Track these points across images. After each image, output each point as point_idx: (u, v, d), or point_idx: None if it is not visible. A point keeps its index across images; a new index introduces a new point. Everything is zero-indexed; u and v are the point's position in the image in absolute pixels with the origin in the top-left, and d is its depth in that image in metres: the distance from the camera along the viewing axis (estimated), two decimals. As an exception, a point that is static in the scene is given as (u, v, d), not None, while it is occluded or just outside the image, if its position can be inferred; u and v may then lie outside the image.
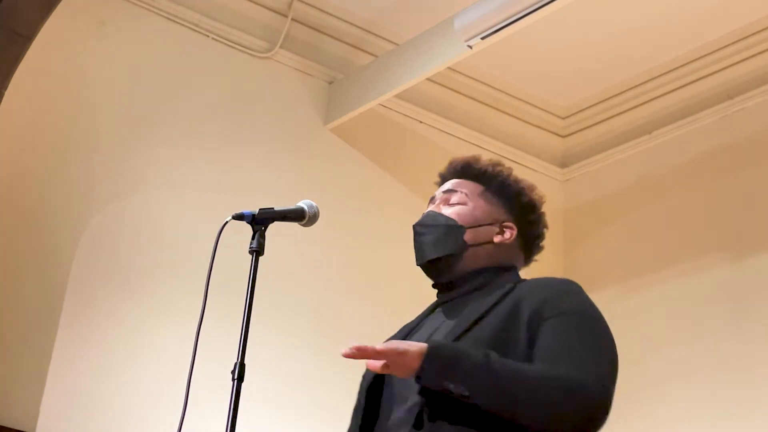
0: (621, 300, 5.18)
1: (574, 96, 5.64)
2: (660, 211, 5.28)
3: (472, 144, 5.49)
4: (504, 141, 5.62)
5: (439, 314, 2.07)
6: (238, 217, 2.09)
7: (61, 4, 4.18)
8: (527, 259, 2.19)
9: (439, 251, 2.08)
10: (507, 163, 2.25)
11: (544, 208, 2.22)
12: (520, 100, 5.65)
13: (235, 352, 1.94)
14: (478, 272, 2.07)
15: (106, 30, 4.65)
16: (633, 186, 5.47)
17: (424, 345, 1.79)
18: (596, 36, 5.14)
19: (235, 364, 1.93)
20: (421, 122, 5.44)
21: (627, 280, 5.27)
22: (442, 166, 2.27)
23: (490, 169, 2.18)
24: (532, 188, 2.19)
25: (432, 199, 2.19)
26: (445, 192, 2.16)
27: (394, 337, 2.09)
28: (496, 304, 1.95)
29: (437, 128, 5.47)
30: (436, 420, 1.80)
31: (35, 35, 4.07)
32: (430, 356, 1.77)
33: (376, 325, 4.38)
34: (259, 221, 2.08)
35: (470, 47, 4.56)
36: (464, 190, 2.14)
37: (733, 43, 5.06)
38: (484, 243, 2.09)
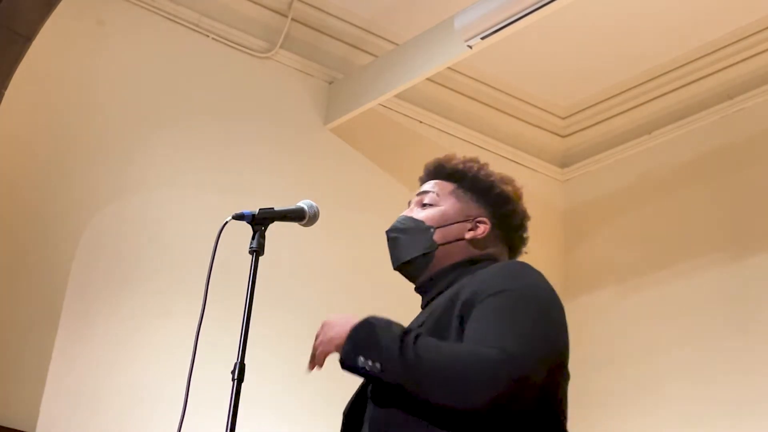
0: (621, 300, 5.19)
1: (574, 96, 5.64)
2: (660, 211, 5.28)
3: (472, 144, 5.49)
4: (504, 141, 5.62)
5: (419, 316, 2.09)
6: (238, 217, 2.09)
7: (61, 4, 4.18)
8: (514, 252, 2.19)
9: (410, 253, 2.11)
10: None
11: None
12: (520, 100, 5.65)
13: (235, 352, 1.94)
14: (452, 269, 2.08)
15: (106, 30, 4.65)
16: (633, 186, 5.47)
17: (353, 318, 1.87)
18: (596, 36, 5.14)
19: (235, 364, 1.93)
20: (421, 122, 5.44)
21: (627, 280, 5.26)
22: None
23: (461, 166, 2.20)
24: (505, 181, 2.20)
25: (409, 204, 2.22)
26: (418, 194, 2.20)
27: None
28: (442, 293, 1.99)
29: (437, 128, 5.47)
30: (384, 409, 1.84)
31: (35, 35, 4.07)
32: (351, 334, 1.85)
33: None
34: (259, 221, 2.08)
35: (470, 47, 4.56)
36: (435, 190, 2.17)
37: (733, 43, 5.06)
38: (455, 240, 2.11)
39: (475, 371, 1.74)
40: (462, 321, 1.86)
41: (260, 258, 2.05)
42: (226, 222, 2.09)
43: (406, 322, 2.18)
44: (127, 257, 4.39)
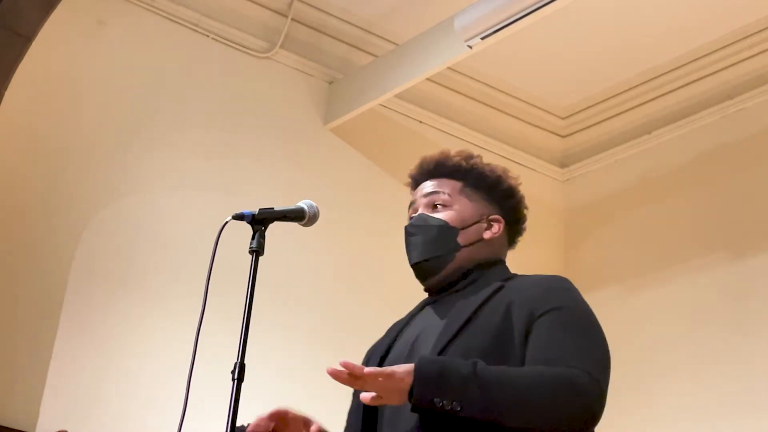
0: (621, 300, 5.18)
1: (574, 96, 5.64)
2: (660, 211, 5.28)
3: (472, 144, 5.49)
4: (504, 141, 5.62)
5: (428, 312, 2.07)
6: (238, 217, 2.08)
7: (61, 4, 4.18)
8: (511, 244, 2.20)
9: (433, 252, 2.08)
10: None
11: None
12: (520, 100, 5.65)
13: (235, 352, 1.94)
14: (469, 271, 2.08)
15: (105, 30, 4.65)
16: (633, 186, 5.47)
17: (410, 366, 1.77)
18: (596, 36, 5.14)
19: (235, 364, 1.93)
20: (421, 122, 5.44)
21: (627, 280, 5.26)
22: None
23: (463, 163, 2.17)
24: (507, 172, 2.20)
25: (412, 205, 2.18)
26: (426, 195, 2.15)
27: (385, 335, 2.11)
28: (484, 303, 1.95)
29: (437, 128, 5.47)
30: None
31: (35, 35, 4.07)
32: (419, 376, 1.75)
33: (376, 325, 4.38)
34: (259, 221, 2.07)
35: (470, 47, 4.56)
36: (445, 190, 2.14)
37: (733, 43, 5.06)
38: (475, 242, 2.10)
39: (566, 397, 1.76)
40: (523, 339, 1.87)
41: (260, 258, 2.04)
42: (226, 222, 2.09)
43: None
44: (127, 257, 4.39)
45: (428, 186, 2.16)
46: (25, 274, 4.17)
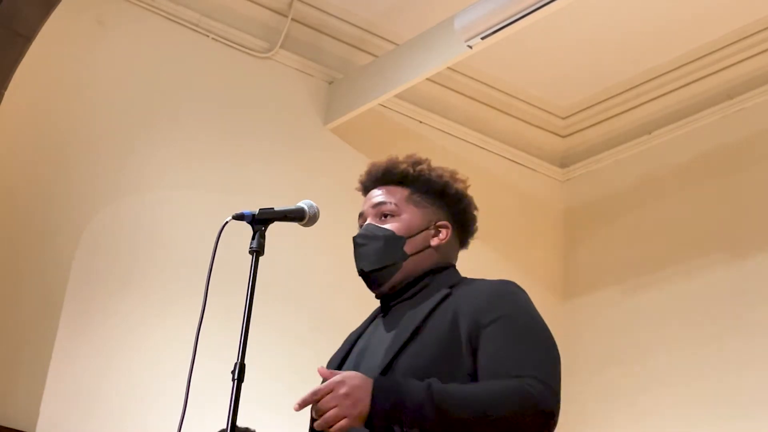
0: (621, 300, 5.18)
1: (574, 96, 5.64)
2: (660, 211, 5.28)
3: (472, 144, 5.49)
4: (504, 141, 5.62)
5: (378, 324, 2.10)
6: (238, 217, 2.08)
7: (61, 4, 4.18)
8: (463, 245, 2.20)
9: (380, 262, 2.10)
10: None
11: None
12: (520, 100, 5.64)
13: (235, 352, 1.94)
14: (417, 279, 2.10)
15: (105, 30, 4.65)
16: (633, 186, 5.47)
17: (365, 382, 1.83)
18: (596, 36, 5.14)
19: (235, 364, 1.93)
20: (421, 122, 5.44)
21: (627, 280, 5.26)
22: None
23: (411, 170, 2.17)
24: (455, 176, 2.19)
25: (361, 215, 2.20)
26: (374, 206, 2.16)
27: (340, 347, 2.15)
28: (430, 313, 1.97)
29: (437, 128, 5.47)
30: None
31: (35, 35, 4.07)
32: (375, 406, 1.81)
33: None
34: (259, 221, 2.07)
35: (470, 47, 4.56)
36: (392, 200, 2.15)
37: (733, 43, 5.06)
38: (423, 249, 2.11)
39: (522, 409, 1.80)
40: (472, 351, 1.90)
41: (260, 258, 2.04)
42: (226, 222, 2.09)
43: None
44: (127, 257, 4.39)
45: (376, 195, 2.17)
46: (25, 274, 4.17)
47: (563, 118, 5.78)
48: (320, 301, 4.78)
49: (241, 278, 2.06)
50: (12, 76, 4.01)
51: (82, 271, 4.26)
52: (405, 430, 1.79)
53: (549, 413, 1.82)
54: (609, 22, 5.05)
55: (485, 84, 5.54)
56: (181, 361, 3.86)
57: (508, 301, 1.96)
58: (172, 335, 4.27)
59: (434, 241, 2.12)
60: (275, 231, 2.15)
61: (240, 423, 1.94)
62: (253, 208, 2.10)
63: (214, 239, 2.09)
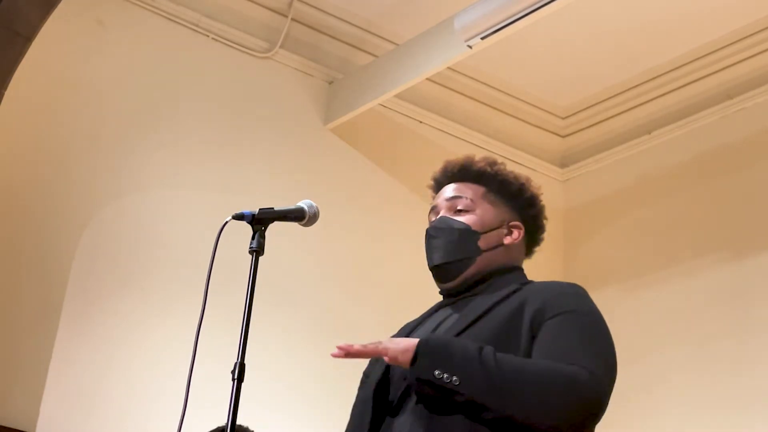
0: (621, 300, 5.18)
1: (574, 96, 5.64)
2: (660, 211, 5.28)
3: (472, 144, 5.49)
4: (504, 141, 5.62)
5: (444, 312, 2.08)
6: (238, 217, 2.08)
7: (61, 4, 4.17)
8: (528, 253, 2.21)
9: (453, 255, 2.09)
10: (507, 163, 2.26)
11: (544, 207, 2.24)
12: (520, 100, 5.65)
13: (235, 352, 1.94)
14: (489, 275, 2.09)
15: (105, 30, 4.65)
16: (633, 186, 5.47)
17: (415, 339, 1.84)
18: (596, 36, 5.14)
19: (235, 364, 1.93)
20: (421, 122, 5.44)
21: (627, 280, 5.27)
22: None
23: (488, 169, 2.18)
24: (530, 181, 2.21)
25: (434, 209, 2.18)
26: (448, 200, 2.15)
27: (397, 335, 2.10)
28: (500, 302, 1.97)
29: (437, 128, 5.47)
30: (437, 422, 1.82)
31: (35, 35, 4.07)
32: (422, 346, 1.81)
33: (375, 325, 4.39)
34: (259, 221, 2.07)
35: (470, 47, 4.56)
36: (468, 195, 2.14)
37: (733, 43, 5.06)
38: (495, 247, 2.11)
39: (564, 390, 1.79)
40: (531, 339, 1.89)
41: (260, 258, 2.05)
42: (226, 222, 2.09)
43: (405, 321, 2.18)
44: (127, 257, 4.39)
45: (450, 190, 2.17)
46: (25, 274, 4.17)
47: (563, 118, 5.78)
48: (320, 301, 4.78)
49: (241, 278, 2.07)
50: (12, 76, 4.01)
51: (82, 272, 4.26)
52: (446, 376, 1.78)
53: (591, 404, 1.80)
54: (609, 22, 5.05)
55: (485, 84, 5.54)
56: (181, 360, 3.86)
57: (575, 299, 1.97)
58: (172, 335, 4.27)
59: (507, 240, 2.13)
60: (275, 231, 2.15)
61: (240, 423, 1.94)
62: (253, 208, 2.10)
63: (214, 239, 2.09)
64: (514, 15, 4.34)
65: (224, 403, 1.91)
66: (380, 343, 1.84)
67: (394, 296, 4.84)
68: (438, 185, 2.22)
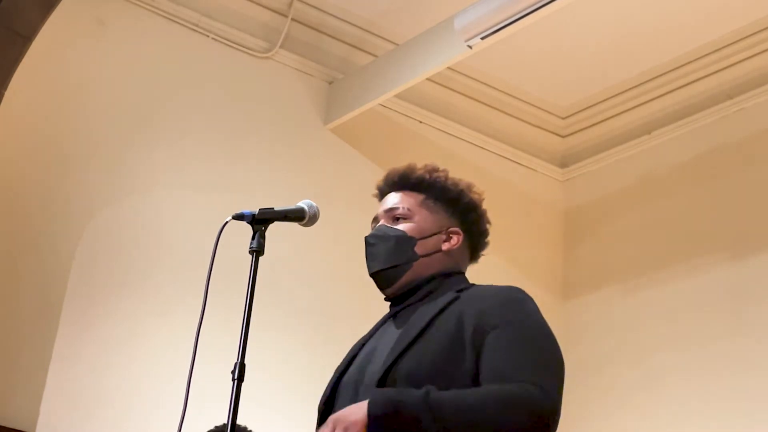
0: (621, 300, 5.18)
1: (574, 96, 5.64)
2: (660, 211, 5.28)
3: (472, 144, 5.49)
4: (504, 141, 5.62)
5: (388, 325, 2.10)
6: (238, 217, 2.08)
7: (61, 4, 4.18)
8: (473, 258, 2.22)
9: (390, 261, 2.12)
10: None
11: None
12: (520, 100, 5.64)
13: (235, 352, 1.94)
14: (426, 281, 2.11)
15: (105, 30, 4.65)
16: (633, 186, 5.47)
17: (363, 409, 1.82)
18: (596, 36, 5.14)
19: (235, 364, 1.93)
20: (421, 122, 5.44)
21: (627, 280, 5.26)
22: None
23: (427, 176, 2.20)
24: (471, 187, 2.22)
25: (375, 219, 2.22)
26: (386, 210, 2.19)
27: (348, 353, 2.14)
28: (438, 314, 1.98)
29: (437, 128, 5.47)
30: None
31: (35, 35, 4.07)
32: (372, 421, 1.81)
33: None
34: (259, 221, 2.08)
35: (470, 47, 4.56)
36: (405, 205, 2.17)
37: (733, 43, 5.05)
38: (433, 252, 2.13)
39: (520, 411, 1.81)
40: (476, 355, 1.90)
41: (260, 258, 2.05)
42: (226, 222, 2.09)
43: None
44: (127, 257, 4.39)
45: (390, 199, 2.20)
46: (25, 274, 4.17)
47: (563, 118, 5.78)
48: (320, 301, 4.78)
49: (241, 278, 2.07)
50: (12, 76, 4.01)
51: (82, 272, 4.26)
52: None
53: (544, 418, 1.83)
54: (609, 22, 5.05)
55: (485, 84, 5.54)
56: (181, 361, 3.86)
57: (513, 308, 1.97)
58: (172, 335, 4.27)
59: (445, 246, 2.14)
60: (275, 231, 2.15)
61: (240, 423, 1.94)
62: (253, 208, 2.10)
63: (214, 239, 2.09)
64: (514, 15, 4.34)
65: (224, 403, 1.91)
66: (328, 424, 1.84)
67: (394, 296, 4.83)
68: (381, 194, 2.25)
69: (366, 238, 2.18)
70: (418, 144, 5.37)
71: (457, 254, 2.16)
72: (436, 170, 2.22)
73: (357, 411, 1.82)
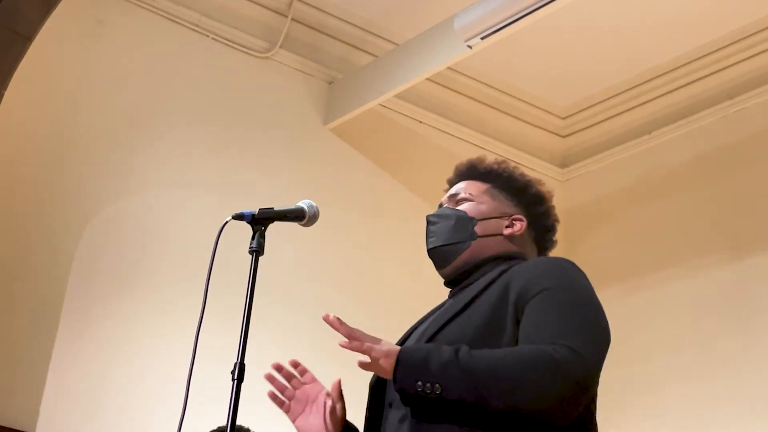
0: (621, 300, 5.18)
1: (574, 96, 5.64)
2: (660, 211, 5.28)
3: (472, 144, 5.49)
4: (504, 141, 5.62)
5: (445, 305, 2.09)
6: (238, 217, 2.08)
7: (60, 4, 4.18)
8: (541, 253, 2.20)
9: (448, 238, 2.11)
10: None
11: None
12: (520, 100, 5.65)
13: (235, 352, 1.94)
14: (486, 261, 2.09)
15: (105, 30, 4.65)
16: (633, 186, 5.47)
17: (394, 348, 1.85)
18: (596, 36, 5.14)
19: (235, 364, 1.93)
20: (421, 122, 5.44)
21: (627, 280, 5.26)
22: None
23: (495, 167, 2.20)
24: (540, 182, 2.23)
25: (439, 206, 2.21)
26: (450, 196, 2.19)
27: (403, 336, 2.12)
28: (486, 287, 1.97)
29: (437, 128, 5.47)
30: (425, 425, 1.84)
31: (35, 35, 4.07)
32: (400, 362, 1.83)
33: (375, 325, 4.37)
34: (259, 221, 2.07)
35: (470, 47, 4.56)
36: (468, 191, 2.17)
37: (733, 43, 5.06)
38: (493, 234, 2.11)
39: (545, 372, 1.77)
40: (517, 321, 1.88)
41: (260, 258, 2.04)
42: (226, 222, 2.09)
43: (407, 324, 2.18)
44: (127, 257, 4.39)
45: (456, 187, 2.20)
46: (25, 274, 4.17)
47: (563, 118, 5.78)
48: (320, 301, 4.78)
49: (241, 278, 2.06)
50: (12, 76, 4.01)
51: (82, 272, 4.26)
52: (428, 386, 1.79)
53: (571, 381, 1.77)
54: (609, 22, 5.05)
55: (485, 84, 5.54)
56: (181, 361, 3.86)
57: (556, 275, 1.95)
58: (172, 335, 4.27)
59: (506, 231, 2.13)
60: (275, 231, 2.15)
61: (240, 423, 1.94)
62: (253, 208, 2.10)
63: (214, 239, 2.09)
64: (514, 15, 4.34)
65: (224, 403, 1.91)
66: (365, 341, 1.86)
67: (394, 295, 4.83)
68: (450, 185, 2.25)
69: (428, 216, 2.18)
70: (418, 144, 5.37)
71: (519, 241, 2.14)
72: (505, 162, 2.23)
73: (391, 350, 1.84)
